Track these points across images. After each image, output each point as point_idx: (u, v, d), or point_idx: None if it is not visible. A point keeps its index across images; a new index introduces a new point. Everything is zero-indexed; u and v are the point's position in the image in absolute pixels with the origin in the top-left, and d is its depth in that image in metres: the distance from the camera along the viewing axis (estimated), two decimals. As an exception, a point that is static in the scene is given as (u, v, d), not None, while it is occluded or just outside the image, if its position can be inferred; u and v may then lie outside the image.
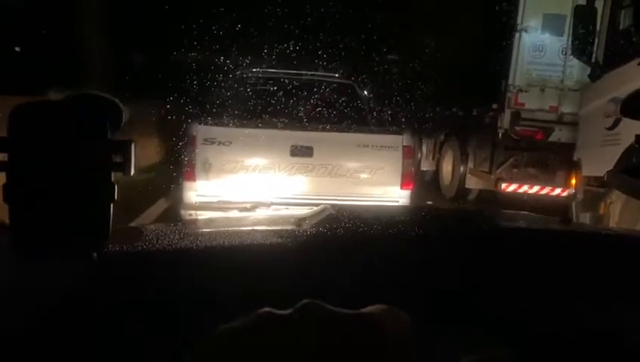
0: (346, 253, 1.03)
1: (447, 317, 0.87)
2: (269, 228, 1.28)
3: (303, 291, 0.89)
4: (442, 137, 9.30)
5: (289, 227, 1.29)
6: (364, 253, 1.01)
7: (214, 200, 4.46)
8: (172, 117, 6.04)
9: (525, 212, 1.78)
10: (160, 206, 6.35)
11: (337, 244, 1.09)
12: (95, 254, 0.66)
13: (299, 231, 1.12)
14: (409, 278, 0.96)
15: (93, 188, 0.62)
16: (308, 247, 1.06)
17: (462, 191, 8.38)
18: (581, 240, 1.28)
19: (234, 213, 3.98)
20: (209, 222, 2.04)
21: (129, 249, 0.93)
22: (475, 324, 0.86)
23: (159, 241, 0.98)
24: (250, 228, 1.36)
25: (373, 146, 4.73)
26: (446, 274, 0.98)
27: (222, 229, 1.19)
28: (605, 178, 0.79)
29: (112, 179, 0.64)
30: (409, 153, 4.83)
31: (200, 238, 1.03)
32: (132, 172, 0.64)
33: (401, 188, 4.73)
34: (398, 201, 4.71)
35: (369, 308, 0.45)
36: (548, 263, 1.05)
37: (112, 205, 0.64)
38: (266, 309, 0.43)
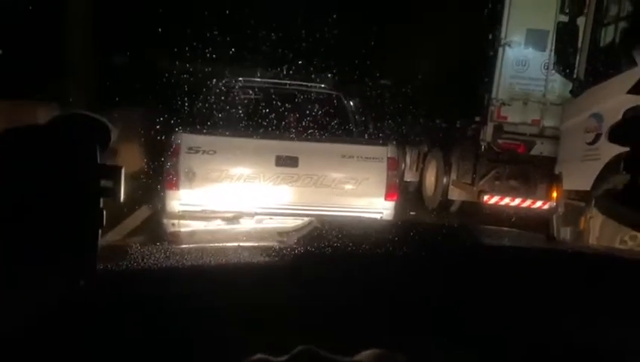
0: (332, 272, 1.03)
1: (434, 333, 0.87)
2: (255, 245, 1.27)
3: (289, 311, 0.90)
4: (426, 148, 9.37)
5: (274, 243, 1.29)
6: (350, 273, 1.01)
7: (198, 209, 4.43)
8: (157, 124, 6.00)
9: (508, 228, 1.79)
10: (143, 213, 6.28)
11: (323, 263, 1.09)
12: (82, 281, 0.65)
13: (286, 250, 1.12)
14: (394, 297, 0.96)
15: (81, 214, 0.61)
16: (294, 266, 1.06)
17: (444, 203, 8.44)
18: (565, 259, 1.30)
19: (217, 223, 3.95)
20: (193, 235, 2.03)
21: (114, 268, 0.91)
22: (459, 341, 0.87)
23: (144, 260, 0.97)
24: (235, 244, 1.35)
25: (358, 157, 4.75)
26: (432, 292, 0.98)
27: (207, 246, 1.18)
28: (593, 203, 0.80)
29: (101, 205, 0.63)
30: (393, 164, 4.85)
31: (185, 257, 1.03)
32: (122, 198, 0.63)
33: (386, 199, 4.75)
34: (382, 213, 4.72)
35: (364, 354, 0.45)
36: (532, 280, 1.06)
37: (99, 231, 0.63)
38: (260, 356, 0.43)
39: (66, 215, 0.60)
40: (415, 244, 1.22)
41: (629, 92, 3.86)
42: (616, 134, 0.82)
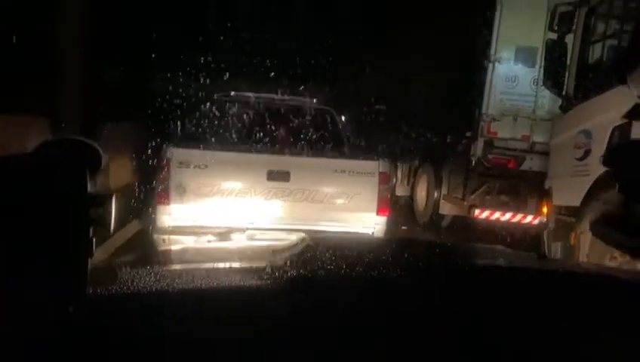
0: (325, 296, 1.02)
1: (427, 358, 0.87)
2: (247, 266, 1.26)
3: (281, 336, 0.88)
4: (417, 163, 9.40)
5: (266, 264, 1.27)
6: (343, 297, 1.00)
7: (188, 224, 4.40)
8: (148, 138, 5.97)
9: (501, 247, 1.79)
10: (133, 228, 6.22)
11: (315, 286, 1.08)
12: (71, 308, 0.63)
13: (278, 272, 1.10)
14: (389, 321, 0.95)
15: (70, 244, 0.59)
16: (286, 290, 1.05)
17: (436, 217, 8.45)
18: (558, 279, 1.30)
19: (208, 238, 3.92)
20: (184, 253, 2.00)
21: (104, 292, 0.90)
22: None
23: (134, 284, 0.95)
24: (226, 264, 1.33)
25: (349, 172, 4.74)
26: (427, 316, 0.97)
27: (198, 268, 1.16)
28: (590, 230, 0.80)
29: (91, 234, 0.61)
30: (385, 179, 4.86)
31: (176, 280, 1.01)
32: (112, 227, 0.62)
33: (377, 214, 4.74)
34: (374, 228, 4.71)
35: None
36: (525, 300, 1.06)
37: (89, 260, 0.61)
38: None
39: (54, 244, 0.58)
40: (409, 266, 1.22)
41: (625, 117, 3.88)
42: (610, 159, 0.82)
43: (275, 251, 1.68)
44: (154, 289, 0.96)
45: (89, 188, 0.60)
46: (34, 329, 0.66)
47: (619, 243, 0.81)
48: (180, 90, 7.19)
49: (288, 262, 1.32)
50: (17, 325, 0.64)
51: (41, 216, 0.57)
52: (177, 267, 1.32)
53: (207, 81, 7.01)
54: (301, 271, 1.12)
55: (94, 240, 0.61)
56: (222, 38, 9.04)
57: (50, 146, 0.61)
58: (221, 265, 1.33)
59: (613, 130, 4.25)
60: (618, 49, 4.34)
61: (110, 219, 0.62)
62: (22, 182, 0.58)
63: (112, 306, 0.88)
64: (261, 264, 1.34)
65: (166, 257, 1.71)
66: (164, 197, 4.44)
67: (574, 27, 5.10)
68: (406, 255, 1.40)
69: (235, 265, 1.34)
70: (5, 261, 0.59)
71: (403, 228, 7.74)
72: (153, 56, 9.39)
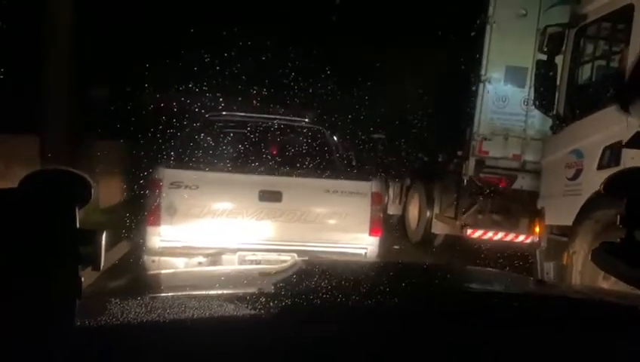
0: (316, 328, 0.99)
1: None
2: (239, 293, 1.22)
3: None
4: (409, 182, 9.41)
5: (258, 291, 1.25)
6: (336, 329, 0.97)
7: (179, 245, 4.35)
8: (138, 158, 5.93)
9: (499, 271, 1.77)
10: (122, 248, 6.14)
11: (307, 317, 1.05)
12: (59, 351, 0.59)
13: (273, 301, 1.07)
14: (384, 354, 0.93)
15: (56, 285, 0.56)
16: (281, 320, 1.02)
17: (428, 236, 8.44)
18: (559, 308, 1.28)
19: (199, 259, 3.86)
20: (175, 277, 1.96)
21: (92, 324, 0.86)
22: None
23: (124, 316, 0.92)
24: (218, 291, 1.30)
25: (342, 192, 4.72)
26: (424, 353, 0.95)
27: (189, 299, 1.13)
28: (591, 259, 0.78)
29: (79, 273, 0.58)
30: (378, 199, 4.84)
31: (167, 311, 0.98)
32: (101, 265, 0.59)
33: (370, 234, 4.71)
34: (366, 248, 4.68)
35: None
36: (527, 329, 1.04)
37: (77, 302, 0.58)
38: None
39: (39, 286, 0.55)
40: (408, 294, 1.19)
41: (626, 146, 3.88)
42: (613, 186, 0.81)
43: (266, 275, 1.65)
44: (144, 320, 0.93)
45: (77, 224, 0.57)
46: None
47: (622, 273, 0.80)
48: (171, 110, 7.17)
49: (282, 289, 1.29)
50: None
51: (26, 255, 0.54)
52: (168, 295, 1.28)
53: (200, 100, 7.00)
54: (296, 299, 1.09)
55: (82, 280, 0.58)
56: (213, 57, 9.07)
57: (36, 179, 0.58)
58: (213, 292, 1.30)
59: (604, 149, 4.28)
60: (620, 76, 4.33)
61: (100, 257, 0.59)
62: (5, 219, 0.55)
63: (100, 340, 0.85)
64: (254, 290, 1.32)
65: (156, 284, 1.67)
66: (155, 218, 4.39)
67: (564, 48, 5.15)
68: (402, 279, 1.38)
69: (228, 291, 1.31)
70: None
71: (395, 247, 7.71)
72: (144, 74, 9.40)
